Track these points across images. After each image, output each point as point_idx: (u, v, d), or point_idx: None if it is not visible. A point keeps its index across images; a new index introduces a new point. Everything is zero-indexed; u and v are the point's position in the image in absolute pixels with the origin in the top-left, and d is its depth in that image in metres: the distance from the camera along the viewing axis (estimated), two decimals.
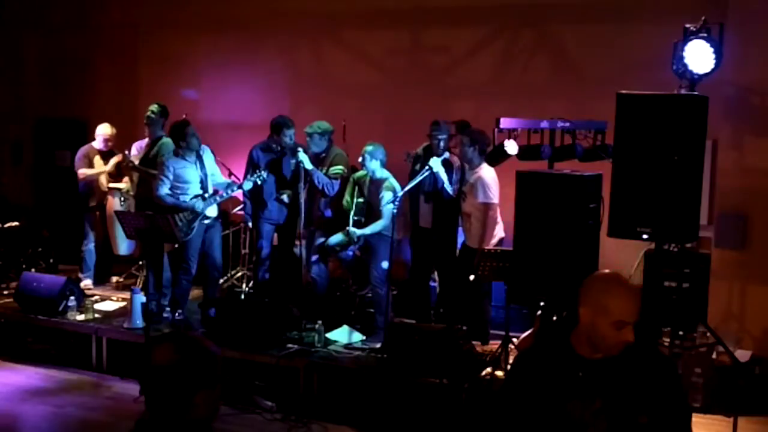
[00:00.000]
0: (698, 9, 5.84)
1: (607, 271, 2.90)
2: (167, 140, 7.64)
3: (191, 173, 7.18)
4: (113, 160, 8.41)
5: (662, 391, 2.71)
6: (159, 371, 2.23)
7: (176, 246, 7.16)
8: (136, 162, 7.97)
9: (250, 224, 7.83)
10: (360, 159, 6.99)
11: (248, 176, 7.40)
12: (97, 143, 8.51)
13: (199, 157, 7.26)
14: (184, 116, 8.00)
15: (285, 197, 7.55)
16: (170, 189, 7.11)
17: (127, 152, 8.25)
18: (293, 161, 7.35)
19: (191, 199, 7.14)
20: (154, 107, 7.98)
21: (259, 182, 7.31)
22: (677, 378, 2.87)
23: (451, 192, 6.78)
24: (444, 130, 6.92)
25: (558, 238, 4.85)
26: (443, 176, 6.72)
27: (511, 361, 6.12)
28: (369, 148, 6.88)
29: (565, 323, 2.73)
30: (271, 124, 7.54)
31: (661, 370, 2.76)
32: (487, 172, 6.62)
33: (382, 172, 6.96)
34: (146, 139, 8.21)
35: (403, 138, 7.54)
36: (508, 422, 2.84)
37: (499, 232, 6.68)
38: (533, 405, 2.75)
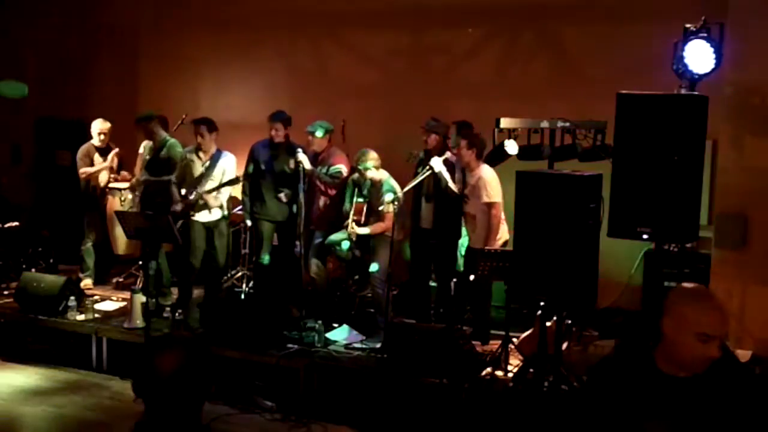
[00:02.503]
0: (698, 9, 5.83)
1: (691, 284, 2.70)
2: (173, 141, 7.78)
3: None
4: (111, 154, 8.45)
5: (749, 417, 2.56)
6: (168, 379, 2.20)
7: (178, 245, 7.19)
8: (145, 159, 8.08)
9: (249, 222, 7.83)
10: (356, 164, 7.01)
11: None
12: (94, 140, 8.52)
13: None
14: (184, 116, 8.00)
15: (282, 195, 7.55)
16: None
17: (141, 151, 8.27)
18: (291, 160, 7.35)
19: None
20: (147, 117, 7.99)
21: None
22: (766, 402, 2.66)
23: (456, 190, 6.78)
24: (432, 126, 6.93)
25: (558, 238, 4.85)
26: (446, 175, 6.72)
27: (511, 361, 6.14)
28: (361, 165, 6.89)
29: (648, 337, 2.62)
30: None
31: (749, 394, 2.60)
32: (486, 172, 6.62)
33: (381, 174, 6.96)
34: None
35: (403, 138, 7.53)
36: None
37: (503, 233, 6.67)
38: (610, 421, 2.62)
